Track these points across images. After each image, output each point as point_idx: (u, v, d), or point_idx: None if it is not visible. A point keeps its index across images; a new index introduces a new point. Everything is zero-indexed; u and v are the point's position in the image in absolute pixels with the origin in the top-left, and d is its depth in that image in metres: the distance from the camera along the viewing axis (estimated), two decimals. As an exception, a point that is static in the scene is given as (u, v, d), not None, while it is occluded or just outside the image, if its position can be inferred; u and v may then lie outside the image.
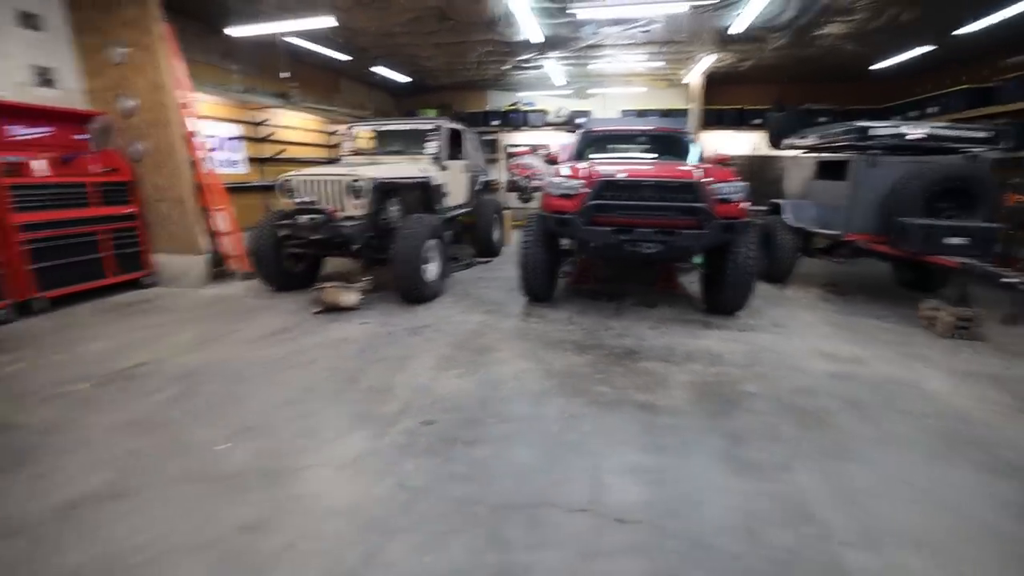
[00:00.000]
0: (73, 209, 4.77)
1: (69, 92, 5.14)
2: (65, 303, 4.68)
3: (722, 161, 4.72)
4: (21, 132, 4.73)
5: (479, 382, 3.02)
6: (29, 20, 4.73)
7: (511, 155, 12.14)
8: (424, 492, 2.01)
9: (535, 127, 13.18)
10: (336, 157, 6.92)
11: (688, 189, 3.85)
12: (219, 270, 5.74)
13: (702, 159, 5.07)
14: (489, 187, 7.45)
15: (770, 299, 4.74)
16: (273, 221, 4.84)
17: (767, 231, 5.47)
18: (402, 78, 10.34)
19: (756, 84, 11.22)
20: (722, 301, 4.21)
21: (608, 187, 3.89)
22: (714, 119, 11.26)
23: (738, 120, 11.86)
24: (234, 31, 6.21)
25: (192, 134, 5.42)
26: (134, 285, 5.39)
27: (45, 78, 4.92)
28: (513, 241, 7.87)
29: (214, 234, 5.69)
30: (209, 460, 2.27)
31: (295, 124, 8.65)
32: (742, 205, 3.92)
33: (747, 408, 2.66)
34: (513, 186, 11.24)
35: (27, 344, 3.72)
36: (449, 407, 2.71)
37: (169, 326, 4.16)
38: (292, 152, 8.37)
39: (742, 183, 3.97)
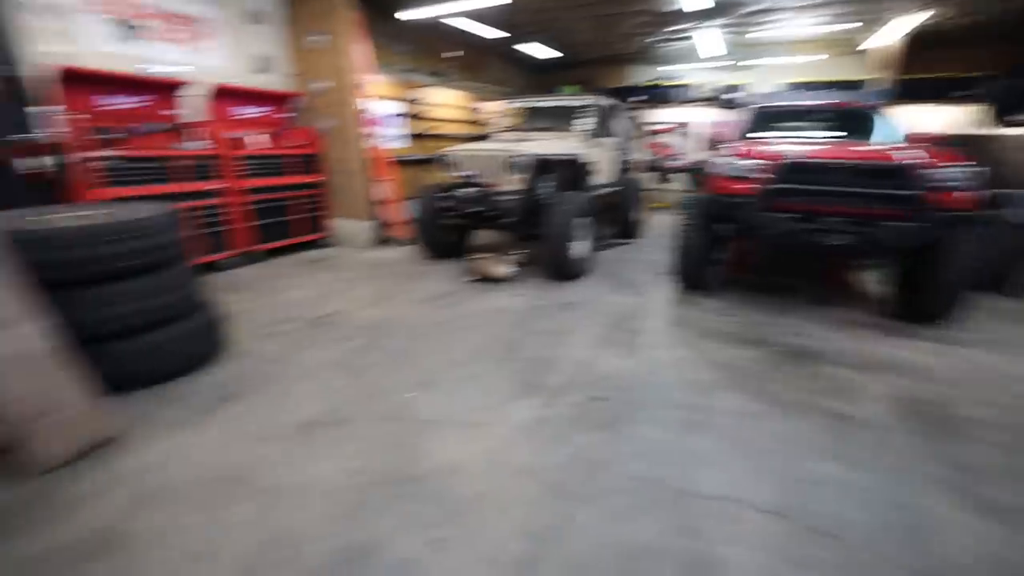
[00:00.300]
0: (280, 177, 5.64)
1: (280, 77, 6.02)
2: (270, 256, 5.60)
3: (936, 140, 3.96)
4: (244, 112, 5.67)
5: (640, 364, 2.98)
6: (256, 16, 5.60)
7: (650, 133, 11.56)
8: (603, 466, 2.05)
9: (678, 103, 12.34)
10: (485, 133, 7.19)
11: (896, 174, 3.30)
12: (382, 236, 6.38)
13: (907, 139, 4.31)
14: (631, 167, 7.19)
15: (986, 311, 3.93)
16: (434, 193, 5.22)
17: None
18: (543, 54, 10.34)
19: (960, 48, 9.16)
20: (921, 306, 3.59)
21: (795, 170, 3.49)
22: (905, 91, 9.49)
23: (938, 91, 9.85)
24: (405, 14, 6.69)
25: (364, 112, 6.03)
26: (315, 245, 6.25)
27: (263, 65, 5.81)
28: (653, 224, 7.56)
29: (379, 203, 6.32)
30: (402, 405, 2.56)
31: (444, 101, 9.16)
32: (967, 194, 3.26)
33: (975, 436, 2.25)
34: (651, 166, 10.72)
35: (251, 287, 4.53)
36: (613, 386, 2.71)
37: (348, 282, 4.76)
38: (441, 128, 8.90)
39: (969, 167, 3.30)
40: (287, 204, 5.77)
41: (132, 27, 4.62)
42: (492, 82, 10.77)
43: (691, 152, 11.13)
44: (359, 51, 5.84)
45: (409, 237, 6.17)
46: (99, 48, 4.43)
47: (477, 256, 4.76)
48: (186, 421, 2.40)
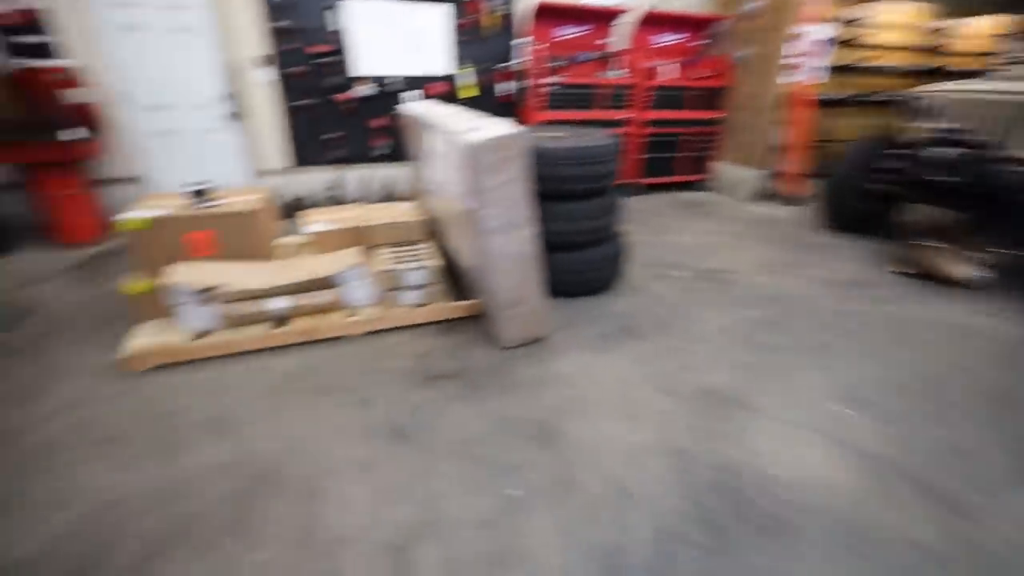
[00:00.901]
0: (679, 110, 5.44)
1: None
2: (648, 191, 5.64)
3: None
4: (662, 39, 5.53)
5: None
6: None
7: None
8: None
9: None
10: (971, 68, 5.06)
11: None
12: (769, 188, 5.55)
13: None
14: None
15: None
16: (872, 146, 4.03)
17: None
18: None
19: None
20: None
21: None
22: None
23: None
24: None
25: (796, 38, 4.99)
26: (691, 187, 5.94)
27: (694, -15, 5.44)
28: None
29: (779, 149, 5.42)
30: (827, 416, 2.09)
31: (890, 21, 6.85)
32: None
33: None
34: None
35: (634, 220, 4.66)
36: None
37: (732, 236, 4.32)
38: (880, 58, 6.80)
39: None
40: (678, 140, 5.58)
41: (596, -44, 4.92)
42: (981, -12, 7.43)
43: None
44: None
45: (804, 195, 5.16)
46: (564, -20, 4.91)
47: (922, 243, 3.51)
48: (596, 344, 2.60)
